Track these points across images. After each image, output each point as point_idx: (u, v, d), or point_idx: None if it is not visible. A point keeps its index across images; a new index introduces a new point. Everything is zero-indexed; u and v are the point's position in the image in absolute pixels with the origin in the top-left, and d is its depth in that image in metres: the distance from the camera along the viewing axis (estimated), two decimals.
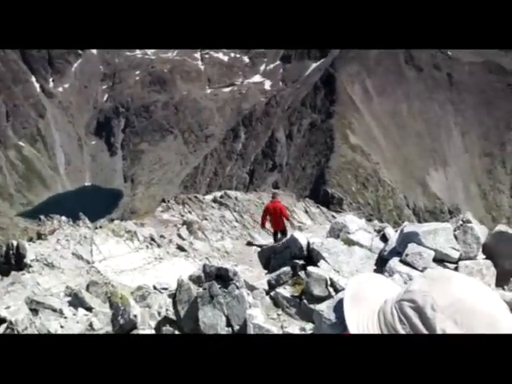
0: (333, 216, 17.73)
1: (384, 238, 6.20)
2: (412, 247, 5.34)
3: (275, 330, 4.98)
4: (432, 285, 1.13)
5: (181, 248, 13.28)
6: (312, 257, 6.00)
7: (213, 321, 5.36)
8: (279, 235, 14.39)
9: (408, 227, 5.76)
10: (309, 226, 16.60)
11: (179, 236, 14.26)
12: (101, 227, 12.39)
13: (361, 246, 5.92)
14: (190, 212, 16.55)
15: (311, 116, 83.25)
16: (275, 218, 13.90)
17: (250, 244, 15.38)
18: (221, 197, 17.80)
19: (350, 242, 5.94)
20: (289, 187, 67.60)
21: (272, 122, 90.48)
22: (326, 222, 16.83)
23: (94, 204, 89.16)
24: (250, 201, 17.62)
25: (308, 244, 6.07)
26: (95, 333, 6.63)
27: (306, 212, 17.35)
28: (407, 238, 5.56)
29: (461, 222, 5.48)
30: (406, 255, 5.28)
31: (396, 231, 6.18)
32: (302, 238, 6.09)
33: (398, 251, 5.71)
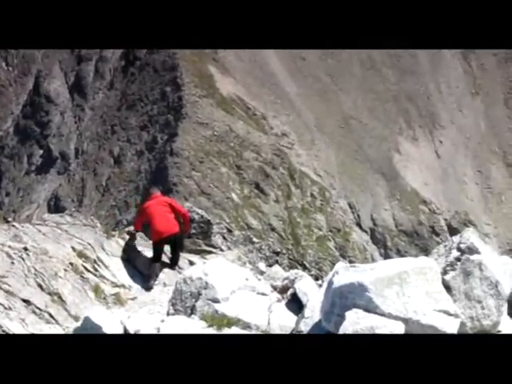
0: (190, 262, 17.54)
1: (296, 303, 6.17)
2: (353, 318, 5.38)
3: None
4: None
5: None
6: None
7: None
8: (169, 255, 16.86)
9: (342, 274, 5.75)
10: (136, 293, 16.15)
11: None
12: None
13: (244, 326, 5.71)
14: None
15: None
16: (162, 218, 16.39)
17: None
18: None
19: (216, 320, 5.79)
20: (86, 207, 66.24)
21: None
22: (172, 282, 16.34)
23: None
24: None
25: None
26: None
27: (130, 260, 17.08)
28: (343, 298, 5.60)
29: (456, 253, 5.57)
30: None
31: (320, 285, 6.20)
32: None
33: (325, 329, 5.86)
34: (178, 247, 16.93)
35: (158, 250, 16.59)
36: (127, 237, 17.61)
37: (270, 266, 17.76)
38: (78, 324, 6.51)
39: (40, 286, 14.62)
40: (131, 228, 18.19)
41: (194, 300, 5.88)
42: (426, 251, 64.66)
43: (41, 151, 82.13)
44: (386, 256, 68.07)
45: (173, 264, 17.01)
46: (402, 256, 66.20)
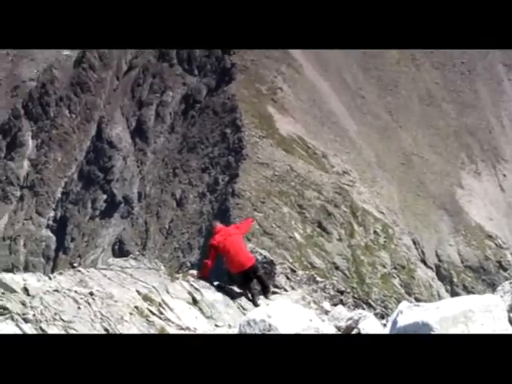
0: (252, 303, 17.40)
1: None
2: None
3: None
4: None
5: None
6: None
7: None
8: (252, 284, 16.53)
9: (406, 313, 5.61)
10: None
11: None
12: None
13: None
14: None
15: (184, 75, 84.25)
16: (240, 249, 16.32)
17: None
18: None
19: None
20: (150, 250, 66.15)
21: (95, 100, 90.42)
22: None
23: None
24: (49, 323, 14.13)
25: None
26: None
27: (195, 301, 16.84)
28: None
29: None
30: None
31: (384, 325, 6.13)
32: None
33: None
34: (259, 276, 16.74)
35: (241, 280, 16.67)
36: (191, 279, 17.51)
37: (335, 305, 17.48)
38: None
39: (106, 330, 14.56)
40: (194, 272, 18.05)
41: None
42: (493, 286, 63.09)
43: (104, 196, 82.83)
44: (453, 292, 66.77)
45: (266, 292, 16.98)
46: (469, 292, 64.86)
